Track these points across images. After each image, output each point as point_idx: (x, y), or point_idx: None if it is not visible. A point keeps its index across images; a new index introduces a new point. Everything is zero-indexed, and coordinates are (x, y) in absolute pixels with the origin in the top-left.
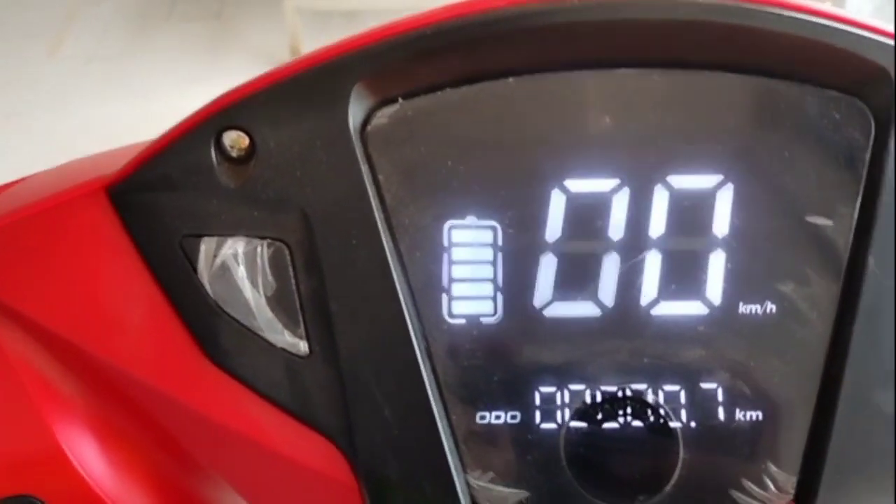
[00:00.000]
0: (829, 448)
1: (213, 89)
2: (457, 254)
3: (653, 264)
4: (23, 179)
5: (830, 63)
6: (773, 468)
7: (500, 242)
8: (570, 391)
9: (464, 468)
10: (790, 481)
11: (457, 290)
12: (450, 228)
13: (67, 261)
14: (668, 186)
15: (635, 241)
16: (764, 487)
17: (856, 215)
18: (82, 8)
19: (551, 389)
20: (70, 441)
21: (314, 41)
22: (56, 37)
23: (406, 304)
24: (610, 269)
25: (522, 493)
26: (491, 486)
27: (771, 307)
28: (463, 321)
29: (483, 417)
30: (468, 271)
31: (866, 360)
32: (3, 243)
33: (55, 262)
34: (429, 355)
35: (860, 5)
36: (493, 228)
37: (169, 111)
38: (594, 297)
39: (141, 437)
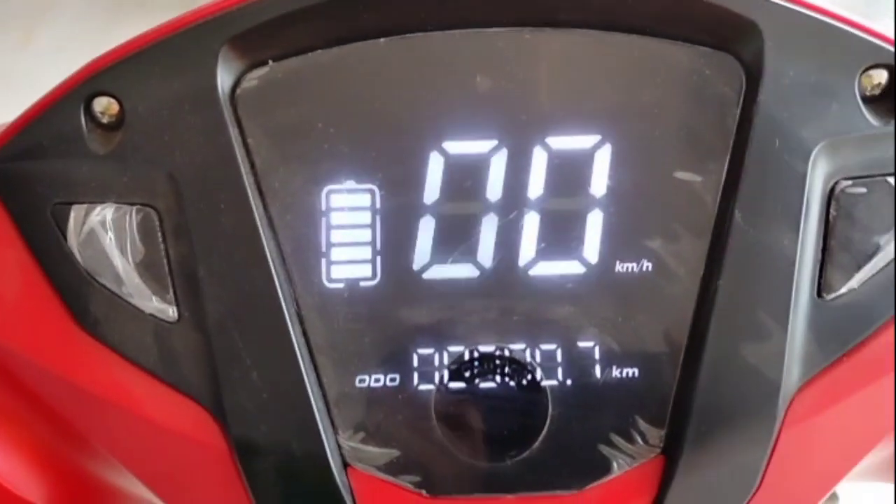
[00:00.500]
0: (694, 401)
1: None
2: (335, 218)
3: (531, 225)
4: None
5: (701, 19)
6: (641, 423)
7: (378, 206)
8: (448, 353)
9: (335, 430)
10: (658, 435)
11: (335, 254)
12: (327, 193)
13: None
14: (547, 147)
15: (513, 202)
16: (632, 441)
17: (725, 170)
18: None
19: (430, 351)
20: None
21: None
22: (28, 27)
23: (276, 268)
24: (488, 230)
25: (394, 453)
26: (362, 446)
27: (647, 265)
28: (342, 285)
29: (362, 381)
30: (347, 235)
31: (732, 313)
32: None
33: None
34: (299, 319)
35: None
36: (372, 192)
37: None
38: (473, 259)
39: (25, 414)
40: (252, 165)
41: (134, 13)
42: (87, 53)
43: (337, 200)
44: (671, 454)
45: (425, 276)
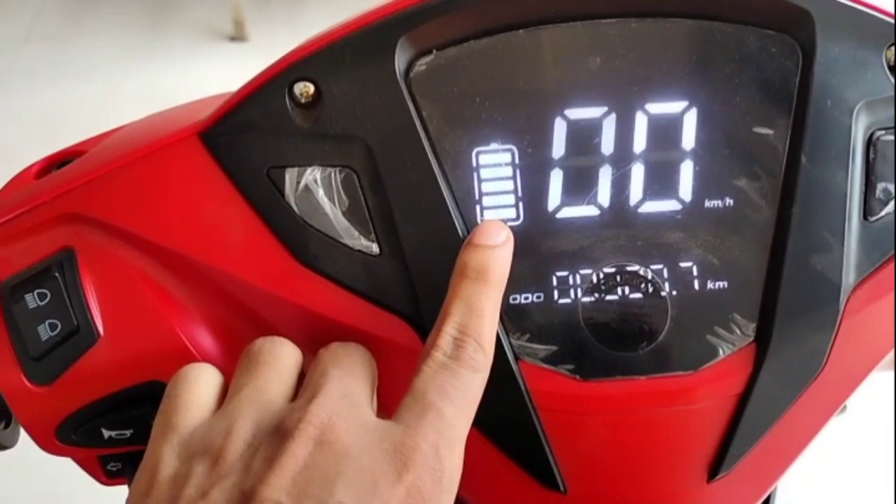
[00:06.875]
0: (779, 300)
1: (155, 65)
2: (485, 173)
3: (637, 173)
4: (115, 131)
5: (765, 8)
6: (738, 317)
7: (517, 162)
8: (580, 274)
9: (507, 332)
10: (751, 326)
11: (486, 201)
12: (477, 153)
13: (173, 191)
14: (646, 112)
15: (623, 156)
16: (731, 332)
17: (790, 125)
18: None
19: (565, 273)
20: (189, 335)
21: (257, 12)
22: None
23: (453, 211)
24: (605, 178)
25: (552, 348)
26: (527, 344)
27: (729, 201)
28: None
29: (515, 298)
30: (494, 186)
31: (803, 233)
32: (119, 181)
33: (163, 193)
34: None
35: None
36: (512, 151)
37: (109, 89)
38: (594, 201)
39: (247, 330)
40: (427, 132)
41: (100, 1)
42: (52, 43)
43: (484, 159)
44: (762, 341)
45: (558, 216)
